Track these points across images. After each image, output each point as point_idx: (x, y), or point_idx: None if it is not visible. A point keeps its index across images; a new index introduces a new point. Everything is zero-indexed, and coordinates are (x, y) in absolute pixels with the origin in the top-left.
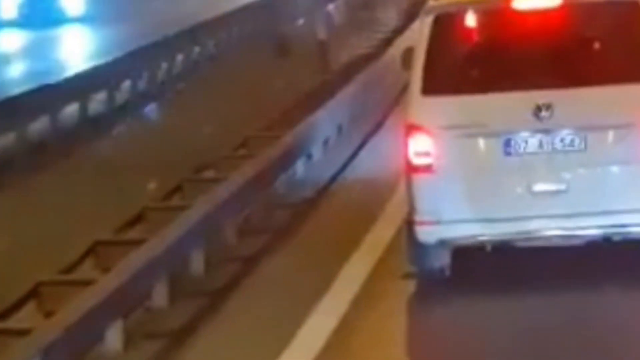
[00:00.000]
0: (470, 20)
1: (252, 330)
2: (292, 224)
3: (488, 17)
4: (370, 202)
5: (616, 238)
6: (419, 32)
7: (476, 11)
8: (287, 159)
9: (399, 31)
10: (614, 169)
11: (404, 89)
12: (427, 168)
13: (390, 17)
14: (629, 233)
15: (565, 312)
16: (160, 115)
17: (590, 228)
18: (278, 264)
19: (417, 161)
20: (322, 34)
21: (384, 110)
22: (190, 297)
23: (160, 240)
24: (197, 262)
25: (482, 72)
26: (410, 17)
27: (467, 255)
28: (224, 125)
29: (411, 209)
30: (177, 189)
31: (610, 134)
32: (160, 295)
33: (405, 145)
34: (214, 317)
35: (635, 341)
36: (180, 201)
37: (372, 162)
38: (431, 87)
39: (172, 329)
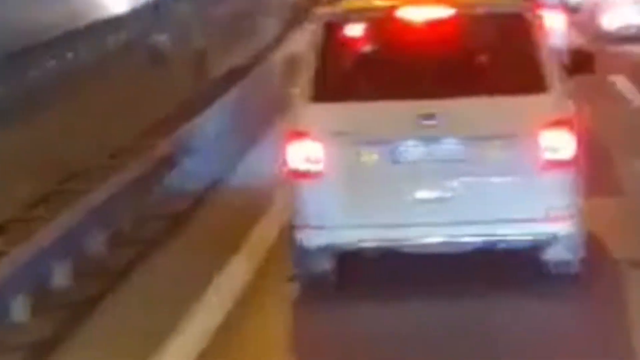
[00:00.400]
0: (359, 28)
1: (122, 342)
2: (168, 233)
3: (376, 26)
4: (251, 207)
5: (498, 246)
6: (307, 40)
7: (365, 20)
8: (161, 168)
9: (280, 40)
10: (497, 178)
11: (285, 97)
12: (313, 174)
13: (272, 25)
14: (511, 242)
15: (450, 317)
16: (27, 126)
17: (473, 236)
18: (153, 274)
19: (303, 167)
20: (199, 42)
21: (263, 119)
22: (55, 310)
23: (21, 253)
24: (62, 275)
25: (370, 80)
26: (292, 26)
27: (353, 259)
28: (96, 136)
29: (296, 214)
30: (43, 200)
31: (494, 144)
32: (21, 310)
33: (292, 151)
34: (80, 330)
35: (517, 346)
36: (45, 212)
37: (253, 169)
38: (319, 94)
39: (33, 344)
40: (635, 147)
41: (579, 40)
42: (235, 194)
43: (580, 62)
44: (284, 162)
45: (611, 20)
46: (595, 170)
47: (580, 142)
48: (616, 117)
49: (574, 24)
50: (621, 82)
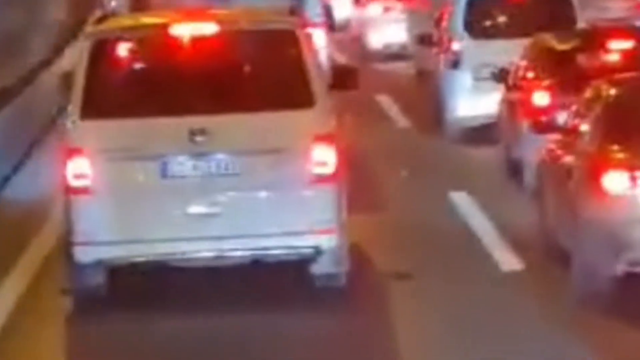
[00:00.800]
0: (130, 45)
1: None
2: None
3: (147, 43)
4: (27, 222)
5: (267, 260)
6: (78, 57)
7: (135, 37)
8: None
9: (53, 58)
10: (264, 193)
11: (59, 114)
12: (85, 190)
13: (44, 44)
14: (278, 255)
15: (214, 331)
16: None
17: (241, 250)
18: None
19: (75, 183)
20: None
21: (38, 136)
22: None
23: None
24: None
25: (141, 97)
26: (65, 44)
27: (126, 274)
28: None
29: (69, 229)
30: None
31: (262, 160)
32: None
33: (64, 167)
34: None
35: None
36: None
37: (29, 185)
38: (90, 111)
39: None
40: (399, 165)
41: (344, 58)
42: (11, 211)
43: (343, 78)
44: (60, 179)
45: (378, 39)
46: (361, 185)
47: (343, 158)
48: (382, 137)
49: (340, 42)
50: (386, 102)
